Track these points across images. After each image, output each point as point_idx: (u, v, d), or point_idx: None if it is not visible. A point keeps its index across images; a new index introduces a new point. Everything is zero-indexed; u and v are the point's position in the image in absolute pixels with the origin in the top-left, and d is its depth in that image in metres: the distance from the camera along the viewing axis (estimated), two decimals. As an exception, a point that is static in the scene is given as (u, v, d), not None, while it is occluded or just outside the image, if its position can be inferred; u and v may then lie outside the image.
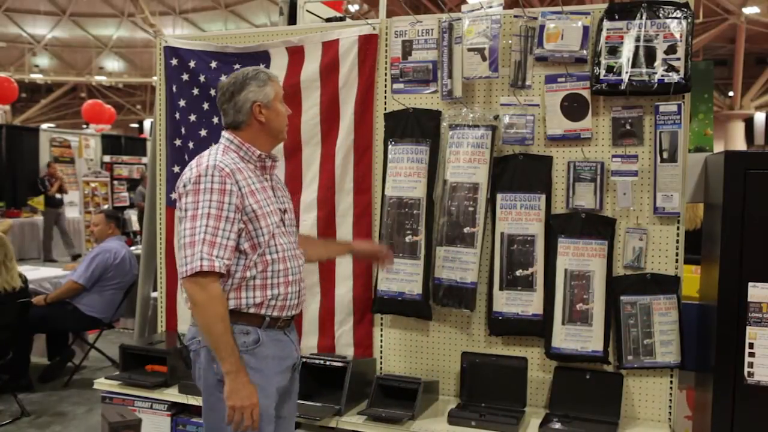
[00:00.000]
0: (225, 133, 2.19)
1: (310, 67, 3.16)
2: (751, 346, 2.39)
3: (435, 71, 2.96)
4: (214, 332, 1.98)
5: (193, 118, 3.40)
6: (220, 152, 2.12)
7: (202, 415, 2.20)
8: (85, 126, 18.28)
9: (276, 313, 2.13)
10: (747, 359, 2.39)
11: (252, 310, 2.09)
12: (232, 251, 2.02)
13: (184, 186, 2.05)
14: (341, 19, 3.37)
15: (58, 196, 11.07)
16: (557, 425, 2.62)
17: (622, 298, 2.70)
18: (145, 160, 11.74)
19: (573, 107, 2.76)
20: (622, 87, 2.63)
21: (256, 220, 2.08)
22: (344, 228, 3.13)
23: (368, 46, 3.07)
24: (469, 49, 2.80)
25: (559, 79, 2.77)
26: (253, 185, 2.11)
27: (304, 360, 3.01)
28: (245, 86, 2.14)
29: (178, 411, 3.11)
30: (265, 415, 2.09)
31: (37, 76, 28.87)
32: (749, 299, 2.38)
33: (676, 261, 2.68)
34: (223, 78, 3.27)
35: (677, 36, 2.60)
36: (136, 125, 29.10)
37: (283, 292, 2.13)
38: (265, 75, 2.18)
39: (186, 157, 3.42)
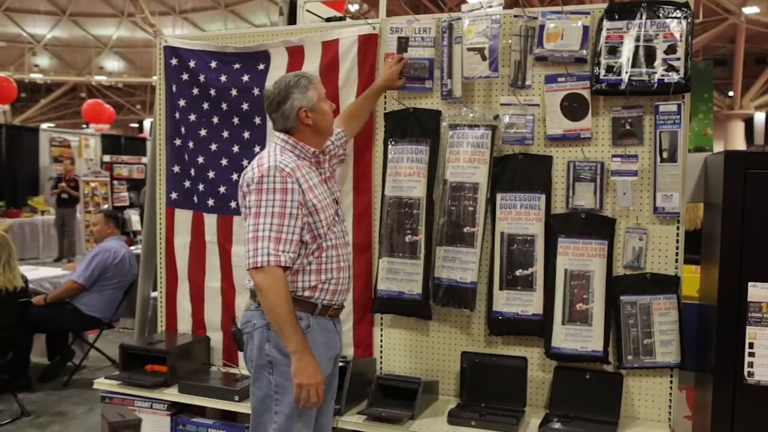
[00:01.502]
0: (278, 134, 2.34)
1: (310, 67, 3.16)
2: (751, 346, 2.39)
3: (432, 69, 2.96)
4: (279, 313, 2.12)
5: (193, 117, 3.40)
6: (278, 152, 2.26)
7: (250, 392, 2.32)
8: (85, 126, 18.28)
9: (327, 298, 2.29)
10: (747, 359, 2.39)
11: (306, 293, 2.26)
12: (296, 244, 2.20)
13: (248, 185, 2.22)
14: (341, 18, 3.36)
15: (64, 196, 10.90)
16: (557, 425, 2.62)
17: (622, 297, 2.70)
18: (145, 159, 11.74)
19: (573, 107, 2.76)
20: (622, 87, 2.63)
21: (316, 213, 2.25)
22: (344, 228, 3.14)
23: (368, 45, 3.07)
24: (469, 49, 2.80)
25: (559, 79, 2.77)
26: (311, 180, 2.27)
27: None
28: (289, 95, 2.28)
29: (178, 411, 3.11)
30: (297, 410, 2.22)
31: (37, 76, 28.87)
32: (749, 299, 2.38)
33: (676, 261, 2.68)
34: (223, 78, 3.31)
35: (677, 36, 2.60)
36: (136, 125, 29.10)
37: (336, 276, 2.31)
38: (305, 80, 2.31)
39: (186, 156, 3.43)
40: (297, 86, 2.29)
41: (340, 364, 2.86)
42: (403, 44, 2.98)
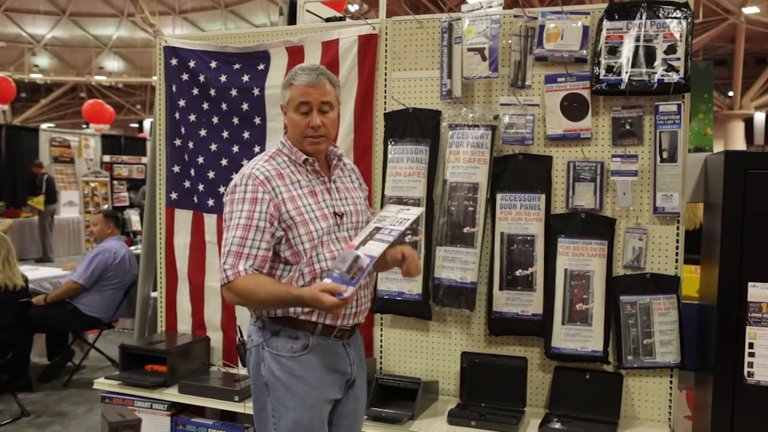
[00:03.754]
0: (282, 136, 2.16)
1: (310, 67, 3.16)
2: (751, 346, 2.39)
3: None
4: (267, 303, 1.99)
5: (192, 118, 3.40)
6: (265, 157, 2.11)
7: (253, 412, 2.17)
8: (84, 126, 18.28)
9: (329, 321, 2.04)
10: (747, 359, 2.39)
11: (303, 317, 2.02)
12: (262, 260, 1.98)
13: (225, 195, 2.08)
14: (341, 18, 3.36)
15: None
16: (557, 425, 2.62)
17: (621, 298, 2.70)
18: (144, 159, 11.75)
19: (573, 107, 2.76)
20: (622, 87, 2.63)
21: (294, 228, 2.01)
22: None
23: (368, 45, 3.07)
24: (469, 49, 2.80)
25: (559, 79, 2.77)
26: (296, 191, 2.05)
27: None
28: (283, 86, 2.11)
29: (177, 411, 3.11)
30: (300, 427, 2.03)
31: (36, 76, 28.88)
32: (749, 299, 2.38)
33: (676, 261, 2.68)
34: (223, 78, 3.31)
35: (677, 36, 2.60)
36: (135, 125, 29.10)
37: None
38: (290, 76, 2.07)
39: (186, 157, 3.43)
40: (286, 80, 2.09)
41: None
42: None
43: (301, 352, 2.04)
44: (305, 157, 2.08)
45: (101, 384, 3.19)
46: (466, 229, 2.85)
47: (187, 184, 3.45)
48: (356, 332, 2.18)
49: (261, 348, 2.07)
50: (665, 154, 2.62)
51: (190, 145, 3.40)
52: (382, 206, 3.00)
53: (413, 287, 2.93)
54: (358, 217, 2.16)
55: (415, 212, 2.02)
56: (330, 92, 2.06)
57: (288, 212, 2.01)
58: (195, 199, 3.43)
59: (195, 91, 3.39)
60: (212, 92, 3.34)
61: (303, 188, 2.07)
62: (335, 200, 2.12)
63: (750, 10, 18.53)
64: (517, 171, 2.84)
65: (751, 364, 2.39)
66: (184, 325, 3.51)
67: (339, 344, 2.09)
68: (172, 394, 3.06)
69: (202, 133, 3.38)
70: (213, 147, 3.35)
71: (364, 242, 1.92)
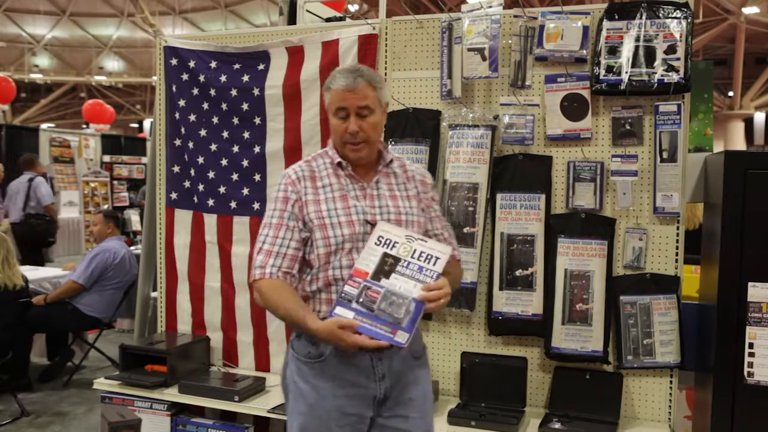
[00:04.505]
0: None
1: (310, 67, 3.16)
2: (751, 346, 2.39)
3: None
4: (283, 317, 1.97)
5: (192, 118, 3.40)
6: (308, 157, 2.10)
7: None
8: (84, 126, 18.28)
9: None
10: (747, 359, 2.39)
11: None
12: (292, 259, 1.98)
13: None
14: (341, 18, 3.36)
15: None
16: (557, 425, 2.62)
17: (621, 298, 2.70)
18: (144, 160, 11.75)
19: (573, 107, 2.76)
20: (622, 87, 2.63)
21: (313, 232, 1.97)
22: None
23: (368, 45, 3.07)
24: (469, 49, 2.80)
25: (559, 79, 2.77)
26: (325, 194, 2.01)
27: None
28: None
29: (177, 411, 3.11)
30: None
31: (36, 76, 28.89)
32: (749, 299, 2.38)
33: (676, 261, 2.68)
34: (223, 78, 3.31)
35: (677, 36, 2.60)
36: (135, 125, 29.11)
37: None
38: (330, 79, 2.02)
39: (186, 157, 3.43)
40: (326, 83, 2.02)
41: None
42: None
43: (317, 359, 1.98)
44: (339, 160, 2.04)
45: (101, 384, 3.18)
46: (466, 229, 2.85)
47: (187, 184, 3.45)
48: (398, 348, 1.94)
49: (290, 346, 2.07)
50: (665, 154, 2.62)
51: (190, 145, 3.40)
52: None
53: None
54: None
55: (443, 252, 1.91)
56: (368, 95, 1.97)
57: (308, 215, 1.99)
58: (195, 199, 3.43)
59: (195, 91, 3.39)
60: (212, 92, 3.34)
61: (334, 192, 2.01)
62: (371, 207, 2.01)
63: (750, 10, 18.54)
64: (517, 171, 2.84)
65: (751, 364, 2.39)
66: (184, 325, 3.51)
67: (364, 357, 1.95)
68: (172, 394, 3.06)
69: (202, 133, 3.38)
70: (213, 147, 3.35)
71: (383, 274, 1.82)
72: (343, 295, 1.83)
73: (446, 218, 2.85)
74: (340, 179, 2.04)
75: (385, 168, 2.08)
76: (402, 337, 1.74)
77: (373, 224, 1.98)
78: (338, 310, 1.79)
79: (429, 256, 1.89)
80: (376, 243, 1.90)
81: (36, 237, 8.31)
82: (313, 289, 2.00)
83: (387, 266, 1.86)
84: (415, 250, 1.89)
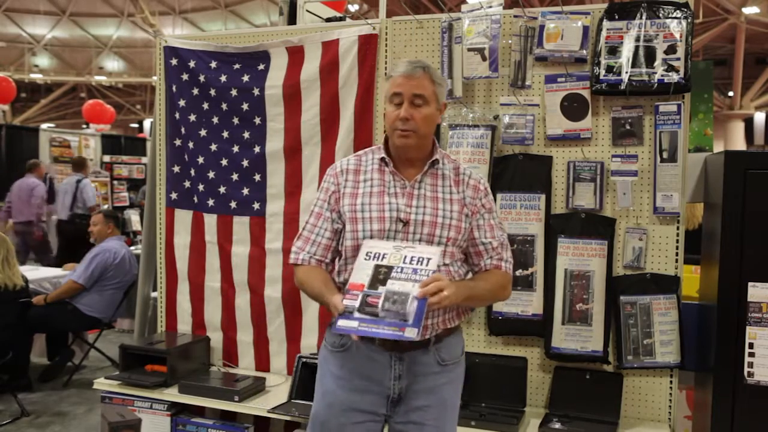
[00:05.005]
0: None
1: (310, 67, 3.16)
2: (751, 346, 2.39)
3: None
4: (313, 297, 2.05)
5: (192, 118, 3.40)
6: (362, 151, 2.13)
7: None
8: (85, 126, 18.28)
9: None
10: (747, 359, 2.39)
11: None
12: (326, 248, 2.06)
13: None
14: (341, 18, 3.36)
15: None
16: (557, 425, 2.62)
17: (622, 298, 2.70)
18: (145, 160, 11.75)
19: (573, 107, 2.76)
20: (622, 87, 2.63)
21: (345, 224, 2.02)
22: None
23: (368, 45, 3.07)
24: (469, 49, 2.80)
25: (559, 79, 2.77)
26: (363, 188, 2.03)
27: (304, 360, 3.02)
28: None
29: (177, 411, 3.11)
30: (317, 421, 2.04)
31: (36, 76, 28.88)
32: (749, 299, 2.38)
33: (676, 261, 2.68)
34: (223, 78, 3.31)
35: (677, 36, 2.60)
36: (136, 125, 29.11)
37: None
38: (391, 67, 2.06)
39: (186, 157, 3.42)
40: (388, 74, 2.06)
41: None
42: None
43: (339, 349, 2.03)
44: (382, 155, 2.05)
45: (101, 384, 3.18)
46: (466, 229, 2.85)
47: (187, 184, 3.45)
48: (425, 351, 1.99)
49: (323, 340, 2.12)
50: (665, 154, 2.62)
51: (190, 145, 3.40)
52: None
53: (413, 287, 2.93)
54: (434, 230, 1.99)
55: (433, 253, 1.91)
56: (426, 86, 1.97)
57: (343, 207, 2.04)
58: (195, 199, 3.42)
59: (195, 91, 3.39)
60: (212, 92, 3.34)
61: (373, 187, 2.03)
62: (407, 206, 1.99)
63: (750, 10, 18.53)
64: (517, 171, 2.84)
65: (751, 364, 2.39)
66: (184, 325, 3.51)
67: (384, 354, 1.97)
68: (172, 394, 3.06)
69: (202, 133, 3.38)
70: (213, 147, 3.35)
71: (379, 283, 1.83)
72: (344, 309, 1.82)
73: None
74: (384, 175, 2.05)
75: (432, 168, 2.06)
76: (411, 332, 1.74)
77: (405, 222, 1.98)
78: (341, 322, 1.79)
79: (420, 259, 1.88)
80: (365, 258, 1.91)
81: (80, 235, 8.58)
82: (341, 280, 2.03)
83: (381, 275, 1.86)
84: (405, 257, 1.89)
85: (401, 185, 2.02)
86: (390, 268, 1.86)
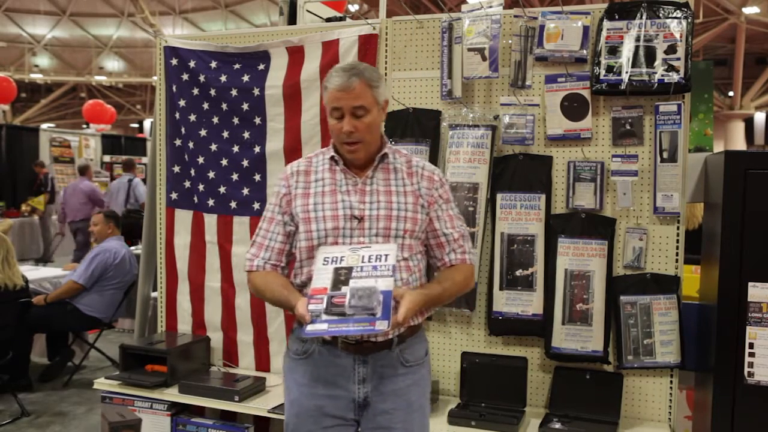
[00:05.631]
0: None
1: (310, 67, 3.16)
2: (751, 346, 2.39)
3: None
4: (272, 302, 2.07)
5: (193, 118, 3.40)
6: (313, 153, 2.13)
7: None
8: (85, 126, 18.28)
9: None
10: (747, 359, 2.39)
11: None
12: (280, 253, 2.06)
13: None
14: (341, 18, 3.36)
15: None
16: (557, 425, 2.62)
17: (622, 298, 2.70)
18: (145, 160, 11.75)
19: (573, 107, 2.76)
20: (622, 87, 2.63)
21: (299, 225, 2.01)
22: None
23: (368, 46, 3.07)
24: (469, 49, 2.80)
25: (559, 79, 2.77)
26: (314, 188, 2.03)
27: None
28: None
29: (178, 411, 3.11)
30: (287, 430, 2.07)
31: (37, 76, 28.88)
32: (749, 299, 2.38)
33: (676, 261, 2.68)
34: (223, 78, 3.31)
35: (677, 36, 2.60)
36: (136, 125, 29.11)
37: None
38: (327, 78, 1.99)
39: (186, 157, 3.43)
40: (324, 82, 2.00)
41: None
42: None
43: (302, 356, 2.02)
44: (332, 154, 2.05)
45: (101, 384, 3.18)
46: (466, 229, 2.85)
47: (187, 184, 3.45)
48: (388, 353, 1.98)
49: (286, 348, 2.12)
50: (665, 154, 2.62)
51: (190, 145, 3.40)
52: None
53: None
54: (390, 223, 1.98)
55: (390, 249, 1.90)
56: (364, 95, 1.94)
57: (295, 208, 2.03)
58: (195, 199, 3.42)
59: (195, 91, 3.39)
60: (212, 92, 3.34)
61: (325, 186, 2.03)
62: (360, 202, 1.99)
63: (750, 10, 18.54)
64: (517, 171, 2.84)
65: (751, 364, 2.39)
66: (184, 325, 3.51)
67: (347, 358, 1.97)
68: (172, 394, 3.06)
69: (202, 133, 3.38)
70: (213, 147, 3.35)
71: (341, 284, 1.81)
72: (310, 314, 1.80)
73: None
74: (335, 174, 2.04)
75: (382, 163, 2.05)
76: (382, 324, 1.73)
77: (360, 219, 1.97)
78: (310, 327, 1.77)
79: (378, 256, 1.88)
80: (323, 264, 1.90)
81: (135, 228, 8.85)
82: (298, 283, 2.03)
83: (342, 277, 1.85)
84: (363, 256, 1.89)
85: (353, 182, 2.02)
86: (350, 269, 1.86)
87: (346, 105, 1.94)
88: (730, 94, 22.35)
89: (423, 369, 2.08)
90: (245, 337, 3.36)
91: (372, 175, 2.03)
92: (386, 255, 1.88)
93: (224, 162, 3.33)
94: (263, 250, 2.06)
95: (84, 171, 9.91)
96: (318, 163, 2.08)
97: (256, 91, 3.25)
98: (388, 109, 3.03)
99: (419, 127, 2.97)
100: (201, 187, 3.39)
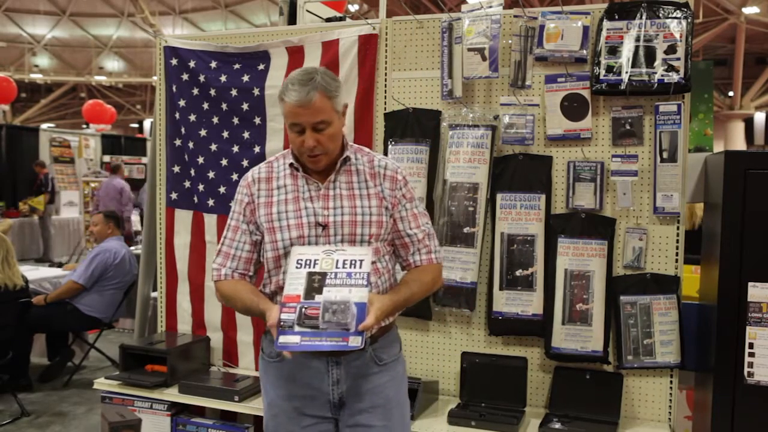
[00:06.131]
0: None
1: (310, 67, 3.16)
2: (751, 346, 2.39)
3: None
4: (242, 311, 2.05)
5: (192, 118, 3.40)
6: (272, 158, 2.09)
7: None
8: (85, 126, 18.29)
9: None
10: (747, 359, 2.39)
11: None
12: (247, 261, 2.04)
13: None
14: (341, 18, 3.36)
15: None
16: (557, 425, 2.62)
17: (622, 298, 2.70)
18: (145, 160, 11.76)
19: (573, 107, 2.75)
20: (622, 87, 2.63)
21: (264, 235, 1.99)
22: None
23: (368, 46, 3.07)
24: (469, 49, 2.80)
25: (559, 79, 2.77)
26: (277, 196, 2.00)
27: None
28: None
29: (178, 411, 3.11)
30: (269, 429, 2.07)
31: (37, 76, 28.87)
32: (749, 299, 2.38)
33: (676, 261, 2.68)
34: (223, 78, 3.31)
35: (677, 36, 2.60)
36: (136, 125, 29.12)
37: None
38: (282, 89, 1.91)
39: (186, 157, 3.42)
40: (279, 92, 1.93)
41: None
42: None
43: (275, 359, 2.02)
44: (291, 161, 2.01)
45: (101, 384, 3.18)
46: (466, 229, 2.85)
47: (187, 184, 3.45)
48: (362, 354, 1.96)
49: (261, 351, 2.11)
50: (665, 154, 2.62)
51: (190, 145, 3.40)
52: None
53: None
54: (354, 229, 1.96)
55: (364, 253, 1.87)
56: (323, 109, 1.87)
57: (259, 218, 2.00)
58: (195, 199, 3.42)
59: (195, 91, 3.39)
60: (212, 92, 3.34)
61: (287, 194, 1.99)
62: (324, 208, 1.96)
63: (750, 10, 18.54)
64: (517, 171, 2.84)
65: (751, 364, 2.39)
66: (184, 325, 3.51)
67: (320, 360, 1.96)
68: (172, 394, 3.06)
69: (202, 133, 3.38)
70: (213, 147, 3.35)
71: (314, 291, 1.79)
72: (282, 323, 1.77)
73: (446, 218, 2.87)
74: (297, 180, 2.01)
75: (345, 165, 2.01)
76: (356, 341, 1.72)
77: (324, 226, 1.94)
78: (282, 339, 1.75)
79: (353, 261, 1.85)
80: (296, 267, 1.87)
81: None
82: (267, 293, 2.01)
83: (316, 283, 1.82)
84: (337, 261, 1.86)
85: (315, 188, 1.99)
86: (324, 275, 1.83)
87: (306, 121, 1.88)
88: (730, 94, 22.35)
89: (398, 365, 2.09)
90: (245, 337, 3.36)
91: (334, 179, 2.00)
92: (361, 261, 1.85)
93: (224, 162, 3.33)
94: (230, 259, 2.03)
95: (116, 170, 10.66)
96: (279, 168, 2.04)
97: (256, 91, 3.25)
98: (388, 109, 3.07)
99: (419, 127, 2.97)
100: (201, 187, 3.39)
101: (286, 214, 1.97)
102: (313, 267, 1.85)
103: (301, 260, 1.87)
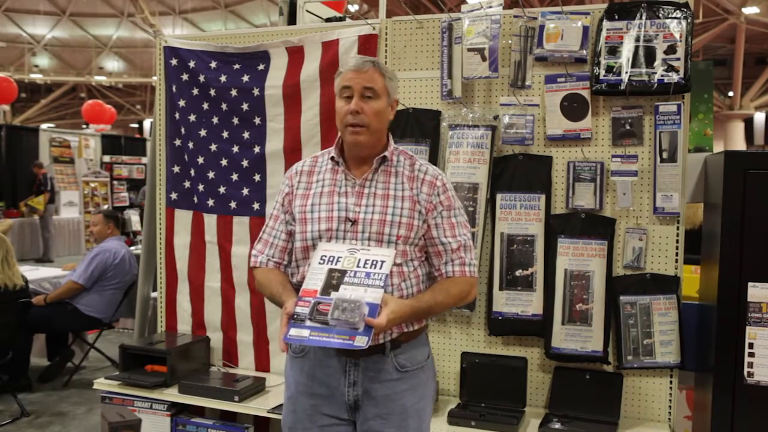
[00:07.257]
0: None
1: (310, 67, 3.16)
2: (751, 346, 2.39)
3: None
4: (271, 300, 2.04)
5: (192, 118, 3.40)
6: (318, 153, 2.12)
7: None
8: (84, 126, 18.29)
9: None
10: (747, 359, 2.39)
11: None
12: (282, 250, 2.07)
13: None
14: (341, 19, 3.36)
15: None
16: (557, 425, 2.62)
17: (621, 298, 2.70)
18: (144, 160, 11.77)
19: (573, 107, 2.76)
20: (622, 87, 2.63)
21: (296, 226, 2.01)
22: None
23: (368, 46, 3.07)
24: (469, 49, 2.80)
25: (559, 79, 2.77)
26: (314, 188, 2.02)
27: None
28: None
29: (177, 411, 3.11)
30: (285, 425, 2.07)
31: (36, 76, 28.89)
32: (749, 299, 2.39)
33: (676, 261, 2.68)
34: (223, 78, 3.31)
35: (677, 36, 2.60)
36: (135, 125, 29.12)
37: None
38: (342, 65, 2.05)
39: (186, 157, 3.42)
40: (337, 72, 2.01)
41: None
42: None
43: (299, 354, 2.02)
44: (332, 154, 2.02)
45: (101, 384, 3.18)
46: (466, 229, 2.85)
47: (187, 184, 3.45)
48: (381, 357, 1.94)
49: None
50: (665, 154, 2.62)
51: (190, 145, 3.40)
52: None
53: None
54: (383, 228, 1.93)
55: (387, 255, 1.86)
56: (376, 80, 1.93)
57: (294, 208, 2.03)
58: (195, 199, 3.42)
59: (195, 91, 3.39)
60: (212, 92, 3.34)
61: (324, 187, 2.01)
62: (356, 205, 1.96)
63: (750, 10, 18.55)
64: (517, 171, 2.84)
65: (751, 364, 2.39)
66: (184, 325, 3.51)
67: (339, 359, 1.95)
68: (172, 394, 3.06)
69: (202, 133, 3.38)
70: (213, 147, 3.35)
71: (331, 288, 1.80)
72: (295, 316, 1.78)
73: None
74: (336, 174, 2.02)
75: (384, 165, 2.01)
76: (361, 341, 1.71)
77: (354, 222, 1.94)
78: (293, 331, 1.76)
79: (374, 262, 1.85)
80: (319, 262, 1.88)
81: None
82: (294, 282, 2.01)
83: (335, 280, 1.83)
84: (359, 260, 1.86)
85: (351, 184, 1.99)
86: (343, 273, 1.83)
87: (356, 85, 1.92)
88: (730, 94, 22.35)
89: (422, 374, 2.04)
90: (245, 337, 3.36)
91: (372, 177, 2.00)
92: (382, 262, 1.85)
93: (224, 162, 3.33)
94: (268, 246, 2.08)
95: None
96: (322, 163, 2.07)
97: (256, 91, 3.25)
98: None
99: (419, 127, 2.97)
100: (201, 187, 3.39)
101: (319, 207, 1.99)
102: (336, 264, 1.87)
103: (325, 256, 1.89)
